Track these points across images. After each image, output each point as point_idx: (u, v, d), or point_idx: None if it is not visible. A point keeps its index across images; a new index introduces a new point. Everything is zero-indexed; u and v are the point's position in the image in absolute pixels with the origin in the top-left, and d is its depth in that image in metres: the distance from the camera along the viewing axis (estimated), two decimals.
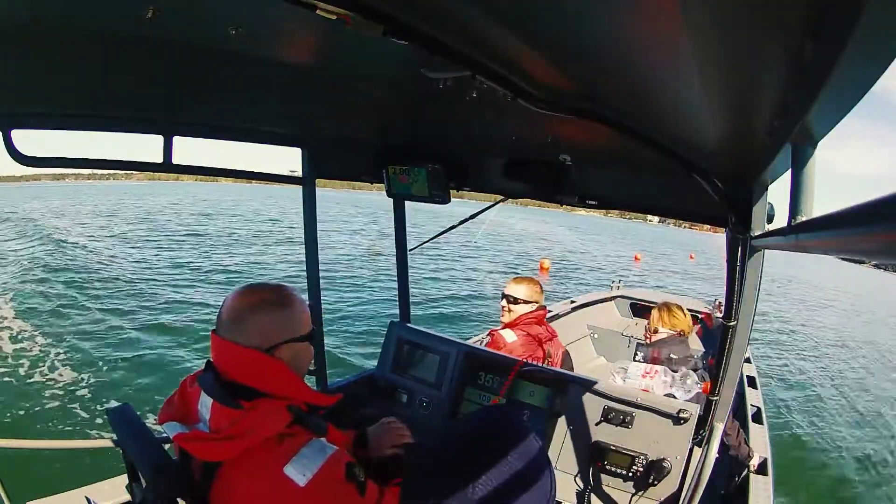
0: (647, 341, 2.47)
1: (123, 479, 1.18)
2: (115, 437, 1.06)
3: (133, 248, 13.44)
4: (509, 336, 2.41)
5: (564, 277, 14.51)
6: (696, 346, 3.82)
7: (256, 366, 0.95)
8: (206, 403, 0.94)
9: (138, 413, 1.11)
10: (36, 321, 6.69)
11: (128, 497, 1.16)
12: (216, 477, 0.89)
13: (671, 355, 2.25)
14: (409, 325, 2.33)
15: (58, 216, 20.98)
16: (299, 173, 1.97)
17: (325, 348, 2.21)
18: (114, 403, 4.07)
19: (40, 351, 5.65)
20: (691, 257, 30.16)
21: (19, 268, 9.98)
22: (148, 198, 38.93)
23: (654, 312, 2.47)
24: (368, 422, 1.35)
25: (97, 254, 12.06)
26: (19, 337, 6.05)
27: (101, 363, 5.44)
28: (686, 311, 2.47)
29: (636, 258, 24.07)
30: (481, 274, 13.21)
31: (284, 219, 24.64)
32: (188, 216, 24.11)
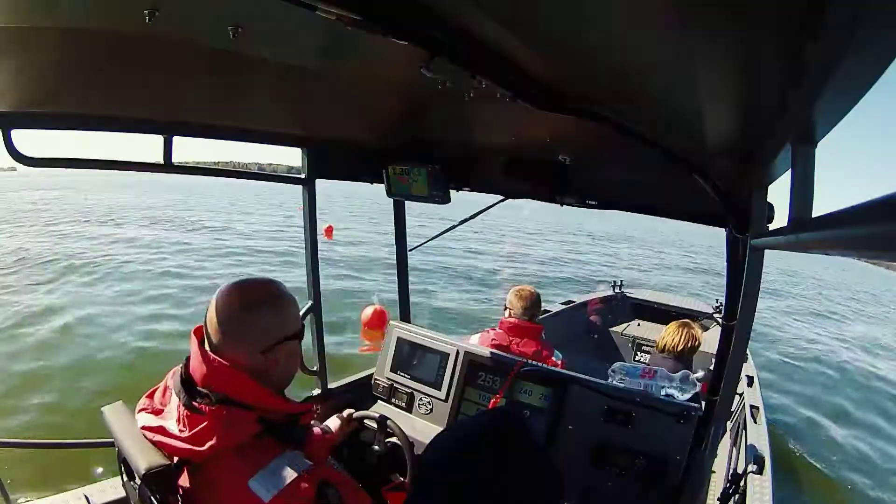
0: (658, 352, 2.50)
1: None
2: (110, 436, 1.06)
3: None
4: (472, 338, 2.58)
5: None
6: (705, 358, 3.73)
7: (216, 372, 0.90)
8: (174, 401, 0.93)
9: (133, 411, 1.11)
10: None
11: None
12: (186, 473, 0.89)
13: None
14: (408, 324, 2.34)
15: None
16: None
17: (325, 348, 2.21)
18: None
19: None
20: None
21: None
22: None
23: (670, 328, 2.50)
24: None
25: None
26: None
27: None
28: (698, 333, 2.45)
29: None
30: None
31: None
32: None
